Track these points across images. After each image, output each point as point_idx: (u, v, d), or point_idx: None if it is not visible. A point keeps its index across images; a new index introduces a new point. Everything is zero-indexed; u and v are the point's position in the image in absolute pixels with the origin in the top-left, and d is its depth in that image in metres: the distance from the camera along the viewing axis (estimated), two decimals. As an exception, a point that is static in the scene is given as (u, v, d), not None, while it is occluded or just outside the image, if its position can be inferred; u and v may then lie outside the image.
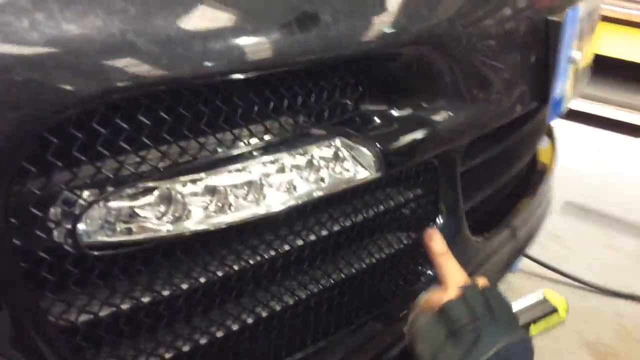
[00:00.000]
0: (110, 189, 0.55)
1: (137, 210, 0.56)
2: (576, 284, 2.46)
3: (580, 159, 3.29)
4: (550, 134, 1.45)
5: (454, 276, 0.77)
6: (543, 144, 1.43)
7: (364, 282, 0.82)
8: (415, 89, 0.77)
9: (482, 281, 0.78)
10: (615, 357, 2.16)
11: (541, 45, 0.93)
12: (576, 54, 1.00)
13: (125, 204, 0.55)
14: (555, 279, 2.48)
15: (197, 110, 0.59)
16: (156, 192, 0.57)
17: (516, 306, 0.86)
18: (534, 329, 0.84)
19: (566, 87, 1.04)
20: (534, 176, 1.32)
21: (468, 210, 0.94)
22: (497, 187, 1.06)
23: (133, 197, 0.56)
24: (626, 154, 3.80)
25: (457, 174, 0.85)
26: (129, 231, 0.56)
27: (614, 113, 3.88)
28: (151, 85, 0.53)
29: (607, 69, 3.09)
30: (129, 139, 0.55)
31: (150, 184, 0.57)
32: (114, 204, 0.55)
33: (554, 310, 0.85)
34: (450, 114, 0.80)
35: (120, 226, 0.55)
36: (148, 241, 0.57)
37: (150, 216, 0.57)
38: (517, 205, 1.17)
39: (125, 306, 0.59)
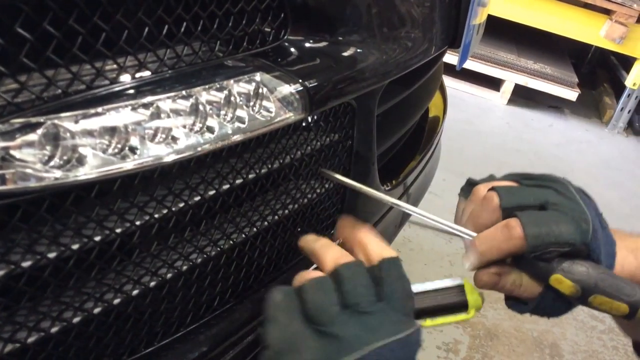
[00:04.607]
0: (-24, 124, 0.42)
1: (13, 152, 0.43)
2: (442, 227, 2.60)
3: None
4: (442, 87, 1.42)
5: (330, 255, 0.63)
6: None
7: (276, 236, 0.74)
8: (336, 18, 0.69)
9: (387, 253, 0.62)
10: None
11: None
12: (486, -4, 0.97)
13: (-3, 144, 0.42)
14: (422, 224, 2.60)
15: (92, 26, 0.47)
16: (40, 130, 0.44)
17: (428, 287, 0.66)
18: (431, 321, 0.64)
19: (474, 33, 1.01)
20: (427, 130, 1.29)
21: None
22: (401, 134, 1.02)
23: (8, 135, 0.43)
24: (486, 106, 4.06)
25: (374, 118, 0.79)
26: (2, 179, 0.43)
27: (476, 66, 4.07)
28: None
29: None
30: (3, 58, 0.42)
31: (32, 119, 0.44)
32: (-19, 144, 0.42)
33: (464, 305, 0.65)
34: (371, 51, 0.73)
35: (-10, 173, 0.42)
36: (29, 192, 0.45)
37: (32, 160, 0.44)
38: (414, 156, 1.14)
39: (-2, 273, 0.46)
